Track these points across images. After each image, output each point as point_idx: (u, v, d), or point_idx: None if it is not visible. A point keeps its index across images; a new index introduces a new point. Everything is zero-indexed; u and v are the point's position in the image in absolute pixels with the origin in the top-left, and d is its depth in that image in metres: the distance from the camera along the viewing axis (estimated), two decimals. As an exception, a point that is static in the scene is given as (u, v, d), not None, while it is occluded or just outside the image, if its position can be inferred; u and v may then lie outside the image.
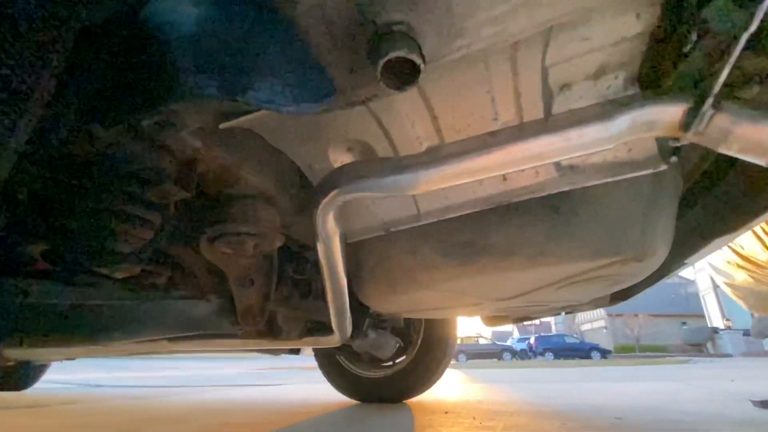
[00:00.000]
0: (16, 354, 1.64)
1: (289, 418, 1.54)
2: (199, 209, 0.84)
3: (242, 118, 0.63)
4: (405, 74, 0.44)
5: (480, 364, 11.38)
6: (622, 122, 0.56)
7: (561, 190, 0.79)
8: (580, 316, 34.38)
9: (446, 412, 1.62)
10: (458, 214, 0.86)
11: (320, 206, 0.76)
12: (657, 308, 23.65)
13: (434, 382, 2.06)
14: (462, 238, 0.87)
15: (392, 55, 0.41)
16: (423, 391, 2.06)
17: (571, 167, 0.77)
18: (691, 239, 0.97)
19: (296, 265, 1.26)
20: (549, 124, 0.62)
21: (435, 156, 0.66)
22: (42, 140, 0.61)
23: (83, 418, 1.60)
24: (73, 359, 2.78)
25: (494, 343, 21.67)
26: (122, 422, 1.48)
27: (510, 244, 0.83)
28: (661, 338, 24.32)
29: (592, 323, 31.08)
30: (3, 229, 0.57)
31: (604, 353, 21.15)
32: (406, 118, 0.73)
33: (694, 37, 0.53)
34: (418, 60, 0.42)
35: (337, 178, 0.74)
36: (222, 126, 0.63)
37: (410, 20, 0.45)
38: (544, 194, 0.80)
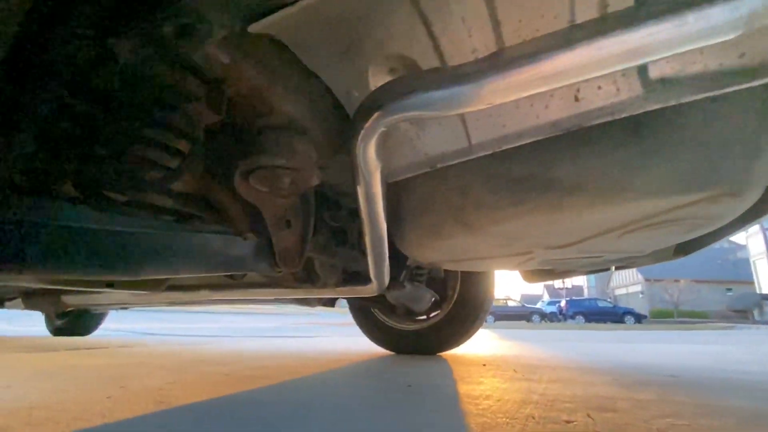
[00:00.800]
0: (72, 300, 1.74)
1: (326, 365, 1.57)
2: (231, 142, 0.78)
3: (272, 17, 0.55)
4: None
5: (508, 325, 11.41)
6: (742, 6, 0.42)
7: (648, 109, 0.66)
8: (615, 280, 33.51)
9: (484, 365, 1.59)
10: (517, 144, 0.75)
11: (361, 132, 0.68)
12: (700, 273, 22.53)
13: (468, 338, 2.03)
14: (521, 172, 0.76)
15: None
16: (457, 345, 2.05)
17: (662, 80, 0.63)
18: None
19: (332, 211, 1.21)
20: (653, 7, 0.48)
21: (501, 60, 0.54)
22: (63, 61, 0.56)
23: (137, 359, 1.70)
24: (126, 308, 2.99)
25: (523, 306, 21.65)
26: (172, 362, 1.56)
27: (579, 177, 0.72)
28: (702, 305, 23.30)
29: (628, 288, 30.26)
30: (33, 153, 0.53)
31: (639, 318, 20.71)
32: (463, 25, 0.61)
33: None
34: None
35: (381, 96, 0.65)
36: (250, 29, 0.55)
37: None
38: (625, 116, 0.67)
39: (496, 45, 0.64)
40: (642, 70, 0.66)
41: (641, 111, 0.66)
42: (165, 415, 0.73)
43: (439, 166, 0.83)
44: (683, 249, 1.22)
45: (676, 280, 22.89)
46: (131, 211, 0.57)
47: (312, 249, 1.11)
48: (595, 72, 0.54)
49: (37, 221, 0.45)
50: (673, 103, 0.65)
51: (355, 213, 1.31)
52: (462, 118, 0.77)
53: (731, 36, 0.48)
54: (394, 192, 0.95)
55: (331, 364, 1.61)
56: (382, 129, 0.68)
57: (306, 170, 0.76)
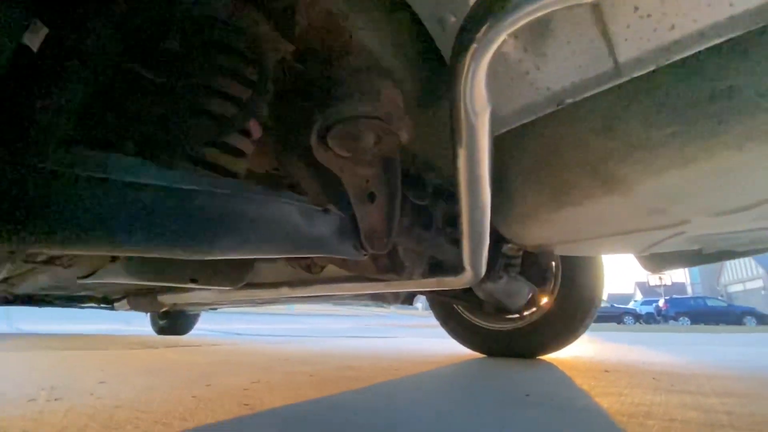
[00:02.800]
0: (167, 300, 1.81)
1: (415, 367, 1.41)
2: (302, 104, 0.66)
3: None
4: None
5: (597, 328, 10.16)
6: None
7: None
8: (727, 275, 28.75)
9: (606, 371, 1.31)
10: (696, 49, 0.52)
11: (468, 54, 0.50)
12: None
13: (574, 339, 1.74)
14: (705, 90, 0.53)
15: None
16: (560, 348, 1.76)
17: None
18: None
19: (416, 189, 1.05)
20: None
21: None
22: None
23: (224, 356, 1.72)
24: (215, 309, 3.17)
25: (612, 306, 19.49)
26: (256, 361, 1.53)
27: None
28: None
29: (745, 284, 25.71)
30: (91, 108, 0.44)
31: (764, 319, 17.31)
32: None
33: None
34: None
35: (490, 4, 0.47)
36: None
37: None
38: None
39: None
40: None
41: None
42: (248, 422, 0.63)
43: (569, 102, 0.62)
44: None
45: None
46: (197, 169, 0.47)
47: (396, 232, 0.96)
48: None
49: (102, 177, 0.36)
50: None
51: (440, 191, 1.13)
52: (602, 29, 0.56)
53: None
54: (495, 151, 0.76)
55: (420, 366, 1.44)
56: (497, 46, 0.50)
57: (395, 119, 0.61)
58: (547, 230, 0.88)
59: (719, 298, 21.19)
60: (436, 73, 0.68)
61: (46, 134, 0.39)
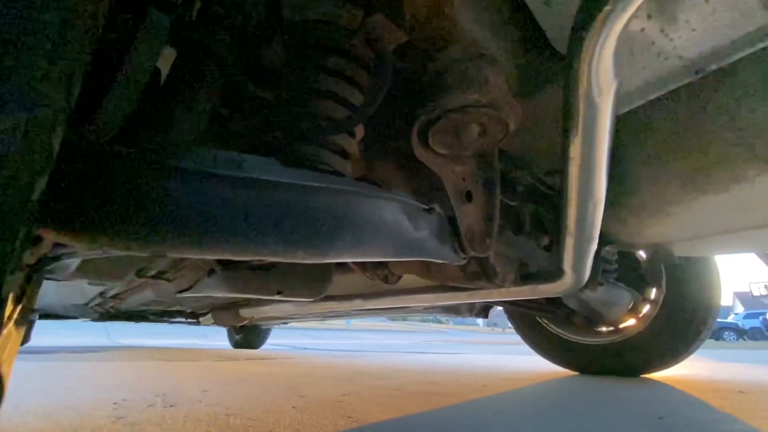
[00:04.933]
0: (247, 313, 1.90)
1: (505, 384, 1.30)
2: (400, 93, 0.64)
3: None
4: None
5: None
6: None
7: None
8: None
9: (741, 392, 1.10)
10: None
11: (599, 19, 0.45)
12: None
13: (687, 355, 1.51)
14: None
15: None
16: (669, 365, 1.54)
17: None
18: None
19: (506, 188, 0.99)
20: None
21: None
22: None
23: (304, 369, 1.74)
24: (286, 324, 3.27)
25: (707, 321, 17.02)
26: (336, 374, 1.52)
27: None
28: None
29: None
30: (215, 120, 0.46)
31: None
32: None
33: None
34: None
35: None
36: None
37: None
38: None
39: None
40: None
41: None
42: (360, 434, 0.60)
43: (712, 68, 0.54)
44: None
45: None
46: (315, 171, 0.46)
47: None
48: None
49: (229, 175, 0.36)
50: None
51: (532, 192, 1.05)
52: (755, -23, 0.48)
53: None
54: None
55: (509, 382, 1.34)
56: (634, 8, 0.44)
57: (503, 108, 0.56)
58: (671, 225, 0.77)
59: None
60: (541, 60, 0.63)
61: (182, 135, 0.40)
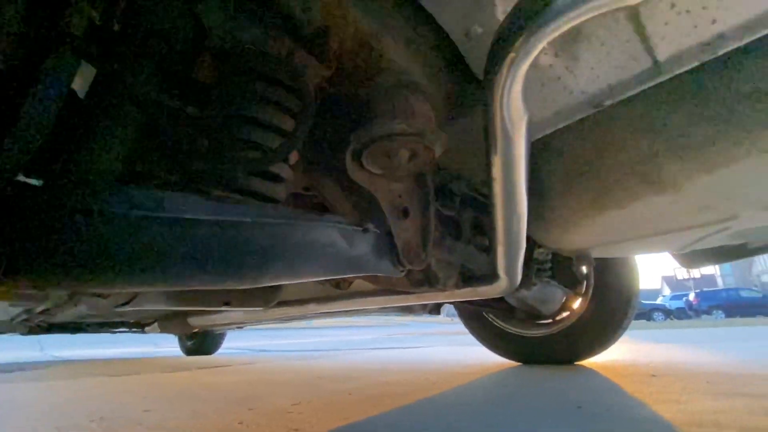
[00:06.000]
0: (196, 322, 1.84)
1: (454, 379, 1.38)
2: (339, 114, 0.67)
3: None
4: None
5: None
6: None
7: None
8: (760, 264, 27.49)
9: (653, 376, 1.25)
10: (743, 42, 0.50)
11: (504, 65, 0.50)
12: None
13: (613, 342, 1.68)
14: (763, 84, 0.51)
15: None
16: (599, 351, 1.71)
17: None
18: None
19: (444, 199, 1.05)
20: None
21: None
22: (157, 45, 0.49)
23: (259, 376, 1.72)
24: (241, 328, 3.19)
25: (640, 303, 18.78)
26: (292, 379, 1.53)
27: None
28: None
29: (782, 273, 24.52)
30: (136, 150, 0.46)
31: (806, 308, 16.49)
32: None
33: None
34: None
35: (530, 6, 0.46)
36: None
37: None
38: None
39: None
40: None
41: None
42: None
43: (607, 103, 0.61)
44: None
45: None
46: (242, 199, 0.47)
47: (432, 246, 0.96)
48: None
49: (145, 215, 0.36)
50: None
51: (468, 201, 1.12)
52: (639, 28, 0.55)
53: None
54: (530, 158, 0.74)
55: (457, 377, 1.42)
56: (534, 55, 0.50)
57: (429, 135, 0.60)
58: (587, 234, 0.86)
59: (753, 288, 20.28)
60: (464, 86, 0.68)
61: (99, 175, 0.40)
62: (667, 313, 17.92)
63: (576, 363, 1.72)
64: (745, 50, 0.51)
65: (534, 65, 0.60)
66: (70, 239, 0.35)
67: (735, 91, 0.52)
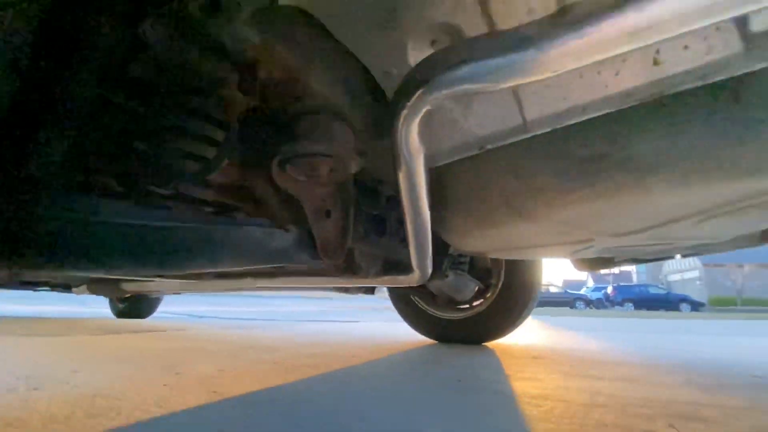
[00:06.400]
0: (130, 287, 1.85)
1: (372, 354, 1.56)
2: (266, 130, 0.76)
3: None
4: None
5: (551, 312, 11.07)
6: None
7: (748, 70, 0.55)
8: (668, 265, 31.21)
9: (535, 358, 1.51)
10: (581, 119, 0.66)
11: (402, 113, 0.62)
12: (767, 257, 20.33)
13: (516, 327, 1.95)
14: (587, 152, 0.68)
15: None
16: (503, 335, 1.98)
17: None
18: None
19: (371, 199, 1.17)
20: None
21: (568, 19, 0.46)
22: (97, 51, 0.55)
23: (191, 343, 1.79)
24: (179, 294, 3.18)
25: (566, 292, 20.78)
26: (222, 348, 1.63)
27: (658, 156, 0.63)
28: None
29: (683, 274, 28.08)
30: (72, 149, 0.52)
31: (696, 305, 19.24)
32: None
33: None
34: None
35: (425, 70, 0.59)
36: (280, 1, 0.51)
37: None
38: (718, 78, 0.56)
39: (557, 3, 0.56)
40: (741, 21, 0.55)
41: (741, 72, 0.55)
42: (215, 407, 0.74)
43: (489, 147, 0.76)
44: (770, 234, 1.06)
45: (740, 265, 20.92)
46: (174, 204, 0.56)
47: (352, 239, 1.09)
48: (685, 27, 0.44)
49: (77, 218, 0.45)
50: (785, 59, 0.53)
51: (394, 201, 1.26)
52: (515, 92, 0.69)
53: None
54: (437, 177, 0.89)
55: (376, 352, 1.60)
56: (427, 108, 0.62)
57: (345, 157, 0.72)
58: (480, 243, 1.04)
59: (660, 286, 23.06)
60: (384, 113, 0.79)
61: (41, 184, 0.47)
62: (588, 302, 20.07)
63: (483, 344, 1.98)
64: (585, 122, 0.67)
65: (440, 108, 0.74)
66: (20, 236, 0.43)
67: (577, 150, 0.69)
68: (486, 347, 1.88)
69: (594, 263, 1.56)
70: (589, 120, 0.66)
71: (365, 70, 0.71)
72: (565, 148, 0.69)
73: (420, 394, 0.90)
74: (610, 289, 20.75)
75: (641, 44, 0.45)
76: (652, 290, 20.51)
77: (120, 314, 3.46)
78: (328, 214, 0.87)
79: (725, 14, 0.41)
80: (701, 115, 0.59)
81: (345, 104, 0.73)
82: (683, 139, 0.60)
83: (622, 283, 22.94)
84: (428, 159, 0.76)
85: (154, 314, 3.56)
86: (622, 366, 1.33)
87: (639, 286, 21.80)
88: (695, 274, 25.99)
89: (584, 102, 0.65)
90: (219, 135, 0.63)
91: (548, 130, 0.69)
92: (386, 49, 0.67)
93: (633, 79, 0.60)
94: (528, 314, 1.93)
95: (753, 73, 0.55)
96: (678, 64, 0.57)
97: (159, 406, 0.73)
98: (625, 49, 0.45)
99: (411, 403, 0.82)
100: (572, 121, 0.67)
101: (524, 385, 0.99)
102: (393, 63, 0.69)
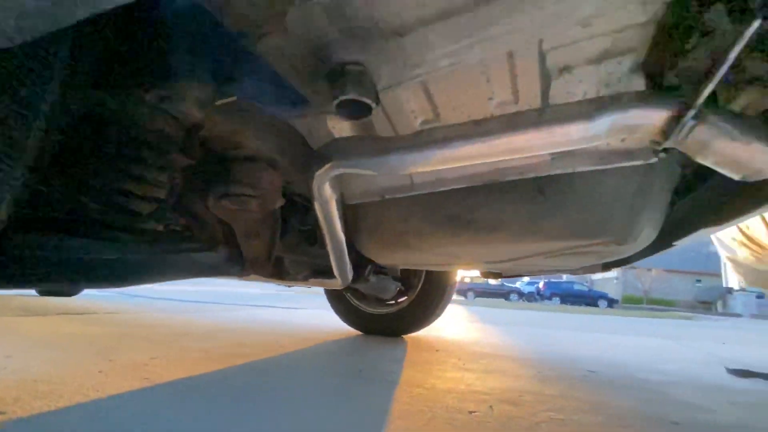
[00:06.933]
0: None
1: (298, 343, 1.76)
2: (207, 169, 0.91)
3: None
4: (360, 106, 0.48)
5: (487, 303, 12.12)
6: (603, 124, 0.57)
7: (551, 173, 0.80)
8: (594, 265, 34.54)
9: (437, 350, 1.80)
10: (448, 188, 0.89)
11: (315, 176, 0.81)
12: (673, 264, 23.41)
13: (432, 321, 2.25)
14: (450, 211, 0.91)
15: (342, 97, 0.45)
16: (422, 327, 2.27)
17: (563, 152, 0.77)
18: (684, 224, 0.98)
19: (301, 216, 1.35)
20: (533, 118, 0.62)
21: (423, 141, 0.68)
22: (63, 104, 0.67)
23: (123, 328, 1.87)
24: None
25: (502, 284, 22.40)
26: (155, 334, 1.73)
27: (495, 221, 0.88)
28: (671, 293, 24.64)
29: (604, 274, 31.27)
30: (33, 191, 0.65)
31: (611, 302, 21.83)
32: (402, 93, 0.74)
33: (697, 34, 0.51)
34: (368, 101, 0.46)
35: (331, 152, 0.78)
36: (218, 103, 0.67)
37: (364, 60, 0.46)
38: (533, 176, 0.81)
39: (431, 110, 0.77)
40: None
41: (546, 174, 0.81)
42: (147, 392, 0.90)
43: (387, 197, 0.97)
44: (609, 265, 1.40)
45: (649, 269, 23.90)
46: (120, 236, 0.71)
47: (282, 249, 1.27)
48: (493, 158, 0.68)
49: (41, 255, 0.59)
50: (571, 170, 0.79)
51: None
52: (408, 160, 0.90)
53: (593, 144, 0.62)
54: (353, 210, 1.09)
55: (302, 342, 1.80)
56: (334, 174, 0.82)
57: (270, 195, 0.90)
58: (390, 261, 1.27)
59: (584, 283, 25.57)
60: (310, 155, 0.97)
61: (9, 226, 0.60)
62: (521, 295, 21.87)
63: (403, 335, 2.26)
64: (452, 191, 0.90)
65: (354, 165, 0.93)
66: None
67: (446, 210, 0.92)
68: (403, 339, 2.16)
69: (492, 273, 1.87)
70: (456, 190, 0.90)
71: (293, 128, 0.88)
72: (438, 207, 0.93)
73: (323, 382, 1.12)
74: (541, 284, 22.73)
75: (466, 164, 0.68)
76: (577, 287, 22.77)
77: (44, 292, 3.32)
78: (257, 235, 1.04)
79: (531, 152, 0.65)
80: (522, 197, 0.84)
81: (275, 153, 0.90)
82: (510, 212, 0.85)
83: (552, 279, 25.14)
84: (343, 197, 0.96)
85: (87, 291, 3.46)
86: (500, 360, 1.66)
87: (566, 282, 24.05)
88: (613, 274, 29.07)
89: (450, 177, 0.88)
90: (163, 177, 0.77)
91: (427, 191, 0.92)
92: (310, 121, 0.84)
93: (481, 166, 0.83)
94: (443, 310, 2.23)
95: (554, 175, 0.81)
96: (509, 162, 0.81)
97: (97, 391, 0.87)
98: (455, 165, 0.68)
99: (311, 390, 1.04)
100: (442, 188, 0.91)
101: (411, 375, 1.24)
102: (315, 129, 0.87)
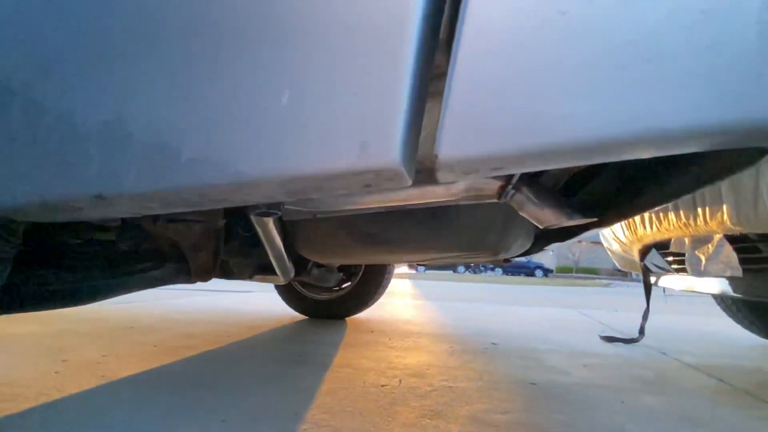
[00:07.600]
0: None
1: (245, 331, 1.92)
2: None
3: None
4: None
5: (435, 275, 12.98)
6: (461, 185, 0.79)
7: (442, 204, 1.03)
8: (534, 238, 37.40)
9: (372, 331, 2.06)
10: (366, 211, 1.10)
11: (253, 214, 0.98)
12: (598, 237, 26.18)
13: (372, 303, 2.51)
14: (368, 230, 1.12)
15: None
16: (362, 310, 2.53)
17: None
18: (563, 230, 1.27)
19: (244, 223, 1.49)
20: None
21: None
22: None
23: (70, 325, 1.91)
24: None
25: (452, 258, 23.67)
26: (103, 331, 1.81)
27: (402, 238, 1.10)
28: (597, 263, 27.77)
29: (543, 245, 34.03)
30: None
31: (547, 272, 24.06)
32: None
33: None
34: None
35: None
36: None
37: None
38: (427, 205, 1.04)
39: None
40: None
41: (438, 204, 1.03)
42: (106, 388, 1.04)
43: (318, 215, 1.16)
44: (504, 260, 1.70)
45: (579, 242, 26.52)
46: (78, 265, 0.83)
47: (226, 253, 1.41)
48: (381, 206, 0.89)
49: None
50: (455, 203, 1.03)
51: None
52: (332, 187, 1.09)
53: (455, 198, 0.85)
54: (290, 223, 1.26)
55: (250, 330, 1.97)
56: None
57: (213, 219, 1.04)
58: (324, 261, 1.47)
59: (524, 255, 27.78)
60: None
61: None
62: (467, 266, 23.33)
63: (346, 318, 2.51)
64: (370, 214, 1.11)
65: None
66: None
67: (363, 228, 1.13)
68: (345, 321, 2.40)
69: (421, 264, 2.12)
70: (373, 213, 1.11)
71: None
72: (357, 225, 1.13)
73: (265, 369, 1.32)
74: (485, 257, 24.35)
75: (361, 210, 0.88)
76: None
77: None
78: (201, 249, 1.18)
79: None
80: (421, 220, 1.07)
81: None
82: (413, 232, 1.08)
83: (495, 252, 27.00)
84: (286, 214, 1.13)
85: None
86: (423, 337, 1.95)
87: (508, 254, 25.97)
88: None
89: (366, 202, 1.08)
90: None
91: (350, 213, 1.12)
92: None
93: (386, 199, 1.04)
94: (381, 294, 2.49)
95: (443, 206, 1.04)
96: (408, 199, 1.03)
97: (58, 391, 0.99)
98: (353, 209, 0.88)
99: (254, 377, 1.23)
100: (363, 212, 1.11)
101: (344, 356, 1.48)
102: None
